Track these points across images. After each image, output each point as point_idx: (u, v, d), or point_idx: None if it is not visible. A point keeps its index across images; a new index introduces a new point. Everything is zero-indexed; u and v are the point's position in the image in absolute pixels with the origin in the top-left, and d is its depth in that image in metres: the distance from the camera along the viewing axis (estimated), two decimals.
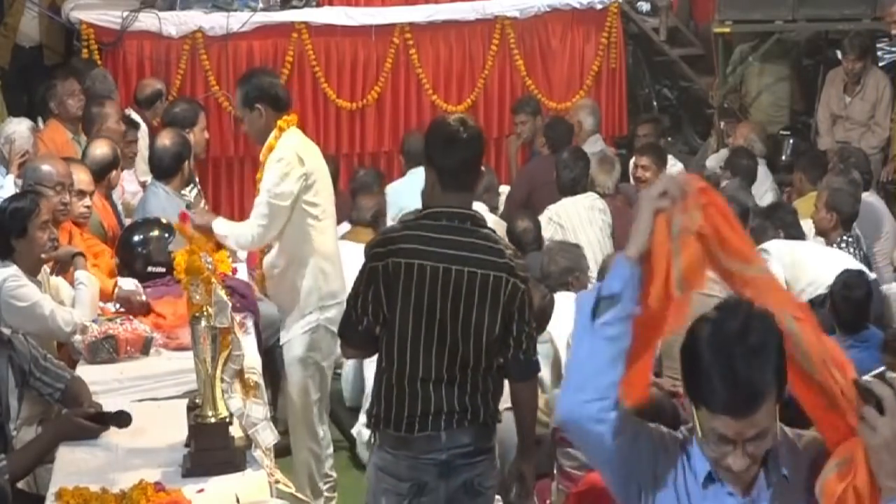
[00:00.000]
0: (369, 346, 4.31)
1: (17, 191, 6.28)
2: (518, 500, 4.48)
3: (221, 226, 5.73)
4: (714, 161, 9.46)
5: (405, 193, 8.26)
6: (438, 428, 4.15)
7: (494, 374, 4.24)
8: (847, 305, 6.10)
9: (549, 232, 7.76)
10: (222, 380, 4.33)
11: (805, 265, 6.69)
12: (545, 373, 6.18)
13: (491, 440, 4.28)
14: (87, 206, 6.38)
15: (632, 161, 9.71)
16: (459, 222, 4.16)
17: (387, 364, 4.21)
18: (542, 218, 7.88)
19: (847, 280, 6.20)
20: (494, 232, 4.33)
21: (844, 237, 7.16)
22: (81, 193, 6.36)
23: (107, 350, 5.34)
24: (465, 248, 4.12)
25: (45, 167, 6.24)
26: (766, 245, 6.83)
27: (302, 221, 5.57)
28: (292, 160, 5.56)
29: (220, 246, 5.47)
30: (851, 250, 7.10)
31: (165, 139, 7.13)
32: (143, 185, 7.69)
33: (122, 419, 4.62)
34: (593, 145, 9.31)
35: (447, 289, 4.10)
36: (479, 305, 4.11)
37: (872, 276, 6.80)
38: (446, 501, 4.21)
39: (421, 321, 4.12)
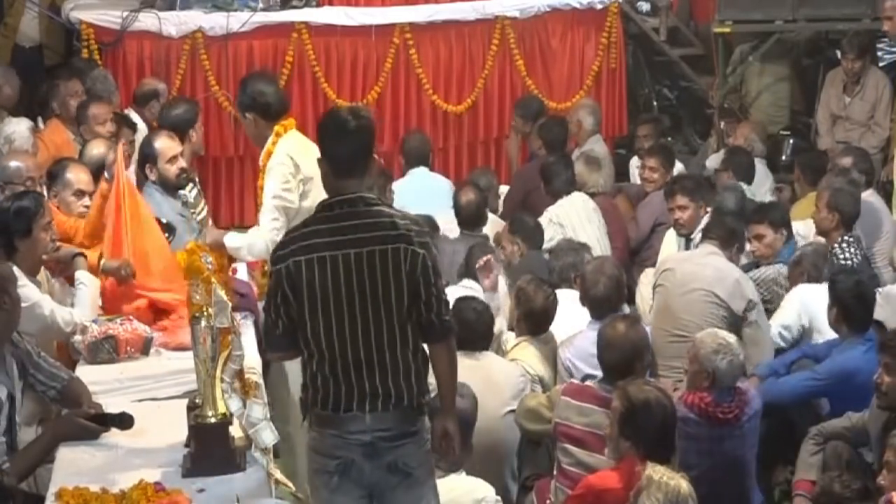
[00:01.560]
0: (290, 349, 4.34)
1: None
2: (447, 458, 4.56)
3: (233, 239, 5.82)
4: (714, 161, 9.46)
5: (405, 193, 8.28)
6: (363, 409, 4.21)
7: (412, 352, 4.28)
8: (862, 306, 6.09)
9: (549, 232, 7.78)
10: (222, 380, 4.34)
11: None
12: (545, 371, 6.19)
13: (416, 423, 4.31)
14: (87, 206, 6.37)
15: (632, 161, 9.74)
16: (350, 206, 4.24)
17: (308, 356, 4.27)
18: (543, 219, 7.90)
19: (859, 280, 6.22)
20: (388, 206, 4.42)
21: (845, 237, 7.15)
22: (81, 193, 6.37)
23: (107, 350, 5.34)
24: (360, 229, 4.21)
25: (14, 164, 6.25)
26: (803, 291, 6.76)
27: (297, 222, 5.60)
28: (288, 164, 5.72)
29: (231, 259, 5.62)
30: (852, 250, 7.09)
31: None
32: None
33: (123, 421, 4.63)
34: (594, 145, 9.33)
35: (350, 274, 4.18)
36: (383, 281, 4.19)
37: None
38: (372, 481, 4.27)
39: (330, 311, 4.18)
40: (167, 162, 6.87)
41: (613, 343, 5.43)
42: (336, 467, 4.23)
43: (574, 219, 7.99)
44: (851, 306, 6.08)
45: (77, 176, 6.42)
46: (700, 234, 7.55)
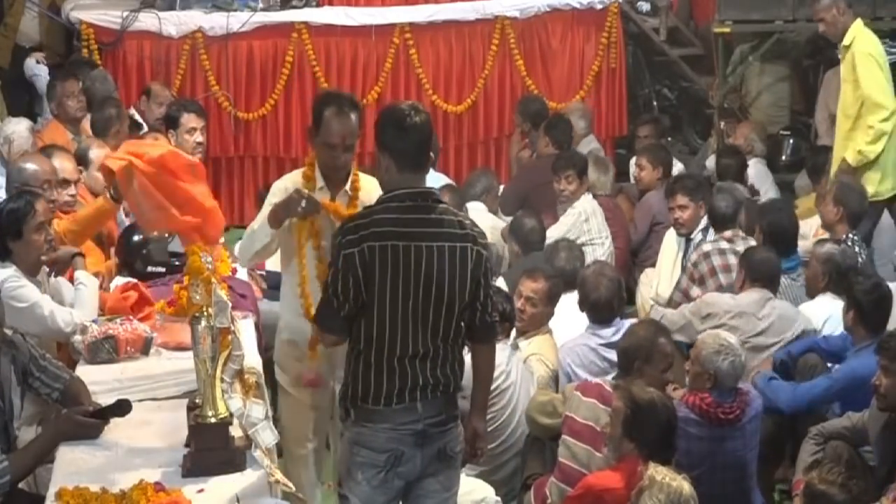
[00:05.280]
0: (346, 332, 4.38)
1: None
2: (473, 459, 4.63)
3: None
4: (714, 161, 9.46)
5: None
6: (415, 399, 4.31)
7: (459, 344, 4.41)
8: (879, 308, 6.03)
9: (575, 231, 7.84)
10: (222, 380, 4.34)
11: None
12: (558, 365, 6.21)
13: (457, 408, 4.45)
14: (72, 195, 6.31)
15: (632, 161, 9.75)
16: (421, 201, 4.33)
17: (364, 345, 4.30)
18: (571, 215, 7.92)
19: (878, 283, 6.18)
20: (449, 205, 4.50)
21: (850, 234, 7.14)
22: (65, 182, 6.29)
23: (107, 350, 5.33)
24: (431, 224, 4.29)
25: (31, 166, 6.19)
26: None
27: None
28: None
29: None
30: (857, 249, 7.07)
31: None
32: None
33: (121, 409, 4.63)
34: (587, 146, 9.37)
35: (420, 266, 4.25)
36: (450, 277, 4.28)
37: None
38: (422, 468, 4.35)
39: (398, 300, 4.24)
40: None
41: (627, 332, 5.64)
42: (386, 461, 4.30)
43: (598, 215, 8.02)
44: (869, 308, 6.02)
45: (62, 165, 6.33)
46: (700, 234, 7.55)
